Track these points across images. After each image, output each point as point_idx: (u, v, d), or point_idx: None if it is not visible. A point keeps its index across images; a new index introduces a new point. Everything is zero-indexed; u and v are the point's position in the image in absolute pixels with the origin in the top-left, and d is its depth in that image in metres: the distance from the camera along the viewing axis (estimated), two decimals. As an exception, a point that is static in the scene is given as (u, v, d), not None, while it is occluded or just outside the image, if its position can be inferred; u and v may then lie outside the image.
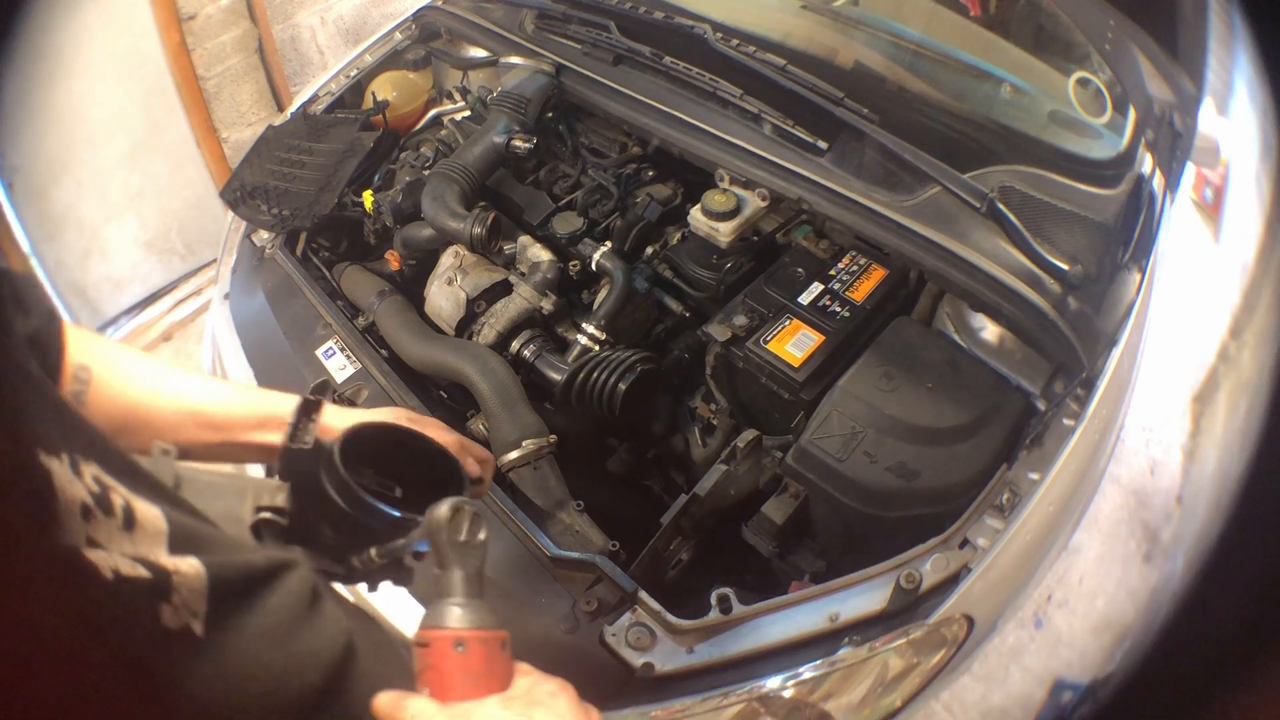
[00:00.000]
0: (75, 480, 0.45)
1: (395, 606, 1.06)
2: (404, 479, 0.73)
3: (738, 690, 1.02)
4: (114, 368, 0.76)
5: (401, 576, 0.76)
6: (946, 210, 1.38)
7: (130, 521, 0.49)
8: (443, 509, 0.65)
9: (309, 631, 0.60)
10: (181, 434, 0.77)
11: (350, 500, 0.69)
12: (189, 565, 0.50)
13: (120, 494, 0.49)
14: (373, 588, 0.78)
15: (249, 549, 0.65)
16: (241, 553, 0.59)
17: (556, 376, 1.48)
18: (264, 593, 0.57)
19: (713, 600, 1.09)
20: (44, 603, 0.40)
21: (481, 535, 0.67)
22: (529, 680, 0.64)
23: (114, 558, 0.45)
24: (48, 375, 0.67)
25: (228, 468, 0.83)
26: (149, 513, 0.51)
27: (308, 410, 0.74)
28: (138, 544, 0.48)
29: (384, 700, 0.60)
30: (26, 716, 0.38)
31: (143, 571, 0.47)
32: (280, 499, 0.71)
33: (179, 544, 0.51)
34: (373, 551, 0.73)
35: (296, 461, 0.72)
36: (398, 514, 0.71)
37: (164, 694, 0.45)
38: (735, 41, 1.62)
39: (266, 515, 0.70)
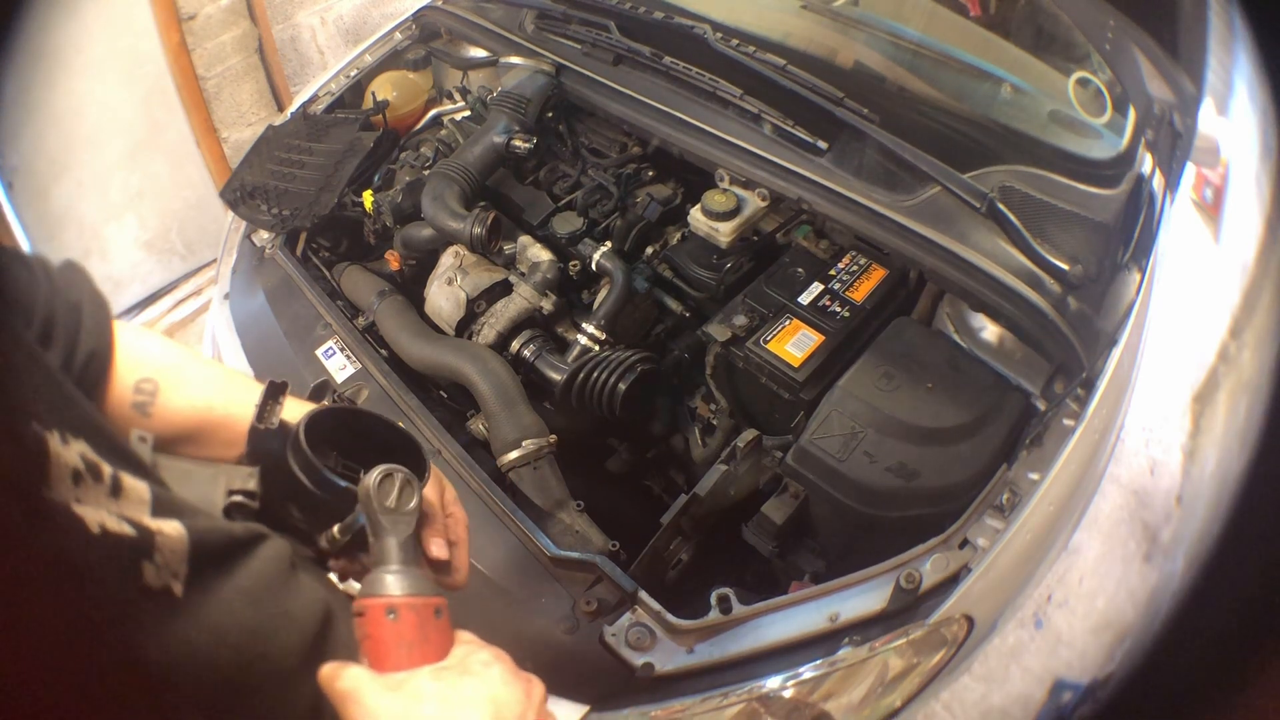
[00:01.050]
0: (67, 449, 0.47)
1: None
2: (367, 462, 0.74)
3: (738, 690, 1.02)
4: (182, 379, 0.76)
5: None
6: (946, 210, 1.38)
7: (117, 488, 0.50)
8: (372, 476, 0.66)
9: (287, 596, 0.60)
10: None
11: (315, 479, 0.70)
12: (172, 527, 0.51)
13: (107, 466, 0.50)
14: (343, 578, 0.79)
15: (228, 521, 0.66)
16: (221, 522, 0.59)
17: (556, 376, 1.48)
18: (243, 558, 0.58)
19: (713, 600, 1.09)
20: (31, 553, 0.41)
21: (412, 503, 0.67)
22: (464, 649, 0.64)
23: (101, 514, 0.47)
24: (97, 380, 0.69)
25: None
26: (134, 483, 0.52)
27: (273, 393, 0.74)
28: (123, 508, 0.49)
29: (325, 670, 0.59)
30: (5, 664, 0.39)
31: (128, 529, 0.48)
32: (251, 483, 0.72)
33: (162, 511, 0.53)
34: (335, 529, 0.73)
35: (263, 443, 0.73)
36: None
37: (141, 650, 0.46)
38: (735, 41, 1.62)
39: (238, 499, 0.71)
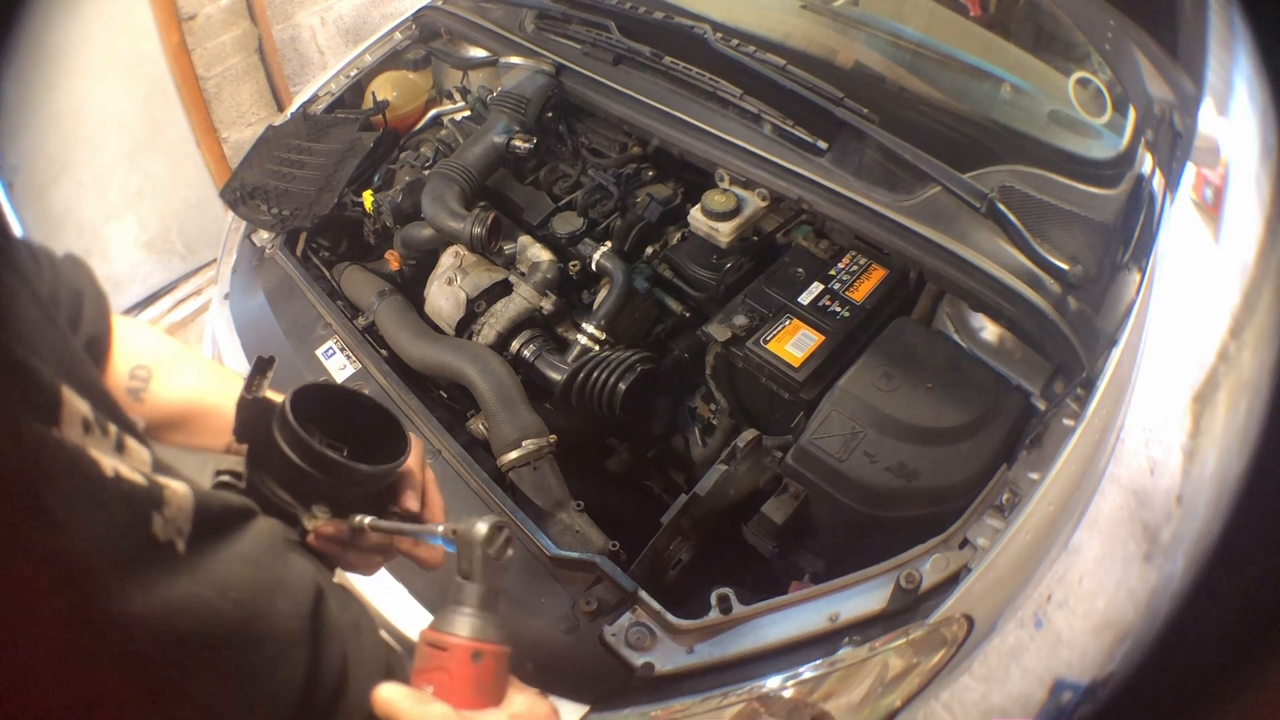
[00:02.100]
0: (76, 400, 0.48)
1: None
2: (351, 440, 0.75)
3: (738, 690, 1.02)
4: (174, 369, 0.79)
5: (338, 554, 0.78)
6: (946, 210, 1.38)
7: (121, 446, 0.52)
8: (481, 527, 0.69)
9: (282, 566, 0.62)
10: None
11: (301, 451, 0.71)
12: (179, 484, 0.53)
13: (112, 426, 0.52)
14: (329, 565, 0.80)
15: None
16: (220, 492, 0.62)
17: (556, 376, 1.48)
18: (242, 527, 0.60)
19: (713, 600, 1.09)
20: (45, 488, 0.42)
21: (509, 554, 0.71)
22: (528, 700, 0.68)
23: (114, 461, 0.48)
24: (94, 365, 0.71)
25: None
26: (135, 444, 0.53)
27: (261, 367, 0.76)
28: (129, 463, 0.51)
29: (395, 695, 0.61)
30: (11, 600, 0.39)
31: (139, 478, 0.49)
32: (238, 467, 0.74)
33: (162, 473, 0.54)
34: (365, 520, 0.75)
35: (250, 416, 0.74)
36: (350, 463, 0.72)
37: (147, 597, 0.47)
38: (735, 41, 1.62)
39: (225, 478, 0.73)
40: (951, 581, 1.06)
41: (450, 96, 2.14)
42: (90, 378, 0.55)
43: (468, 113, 2.01)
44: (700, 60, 1.64)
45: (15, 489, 0.40)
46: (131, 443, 0.53)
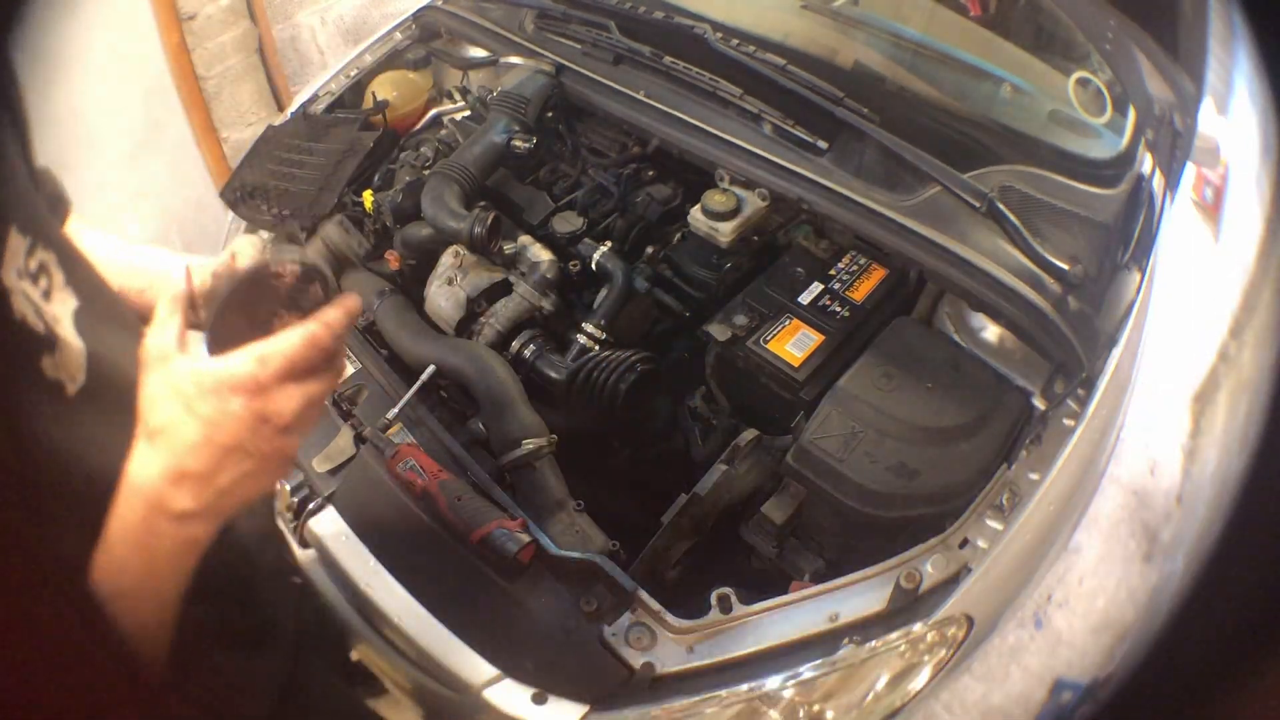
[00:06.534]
0: (21, 250, 0.58)
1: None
2: None
3: (738, 690, 1.02)
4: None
5: None
6: (946, 210, 1.38)
7: (48, 294, 0.62)
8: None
9: None
10: None
11: None
12: (76, 341, 0.62)
13: (53, 277, 0.62)
14: None
15: None
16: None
17: (556, 376, 1.48)
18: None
19: (713, 600, 1.10)
20: None
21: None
22: None
23: (30, 303, 0.58)
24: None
25: None
26: (67, 294, 0.64)
27: None
28: (45, 310, 0.61)
29: None
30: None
31: (39, 324, 0.59)
32: None
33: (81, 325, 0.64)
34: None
35: None
36: None
37: (30, 428, 0.54)
38: (735, 41, 1.62)
39: None
40: (952, 581, 1.06)
41: (450, 96, 2.14)
42: (50, 231, 0.64)
43: (468, 113, 2.01)
44: (700, 60, 1.64)
45: None
46: (60, 293, 0.61)
